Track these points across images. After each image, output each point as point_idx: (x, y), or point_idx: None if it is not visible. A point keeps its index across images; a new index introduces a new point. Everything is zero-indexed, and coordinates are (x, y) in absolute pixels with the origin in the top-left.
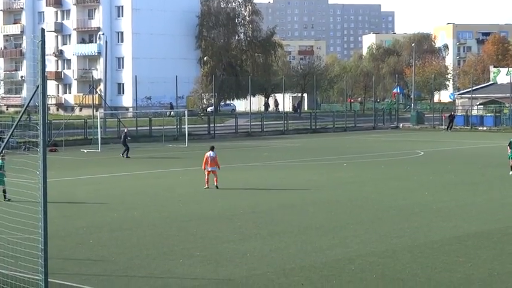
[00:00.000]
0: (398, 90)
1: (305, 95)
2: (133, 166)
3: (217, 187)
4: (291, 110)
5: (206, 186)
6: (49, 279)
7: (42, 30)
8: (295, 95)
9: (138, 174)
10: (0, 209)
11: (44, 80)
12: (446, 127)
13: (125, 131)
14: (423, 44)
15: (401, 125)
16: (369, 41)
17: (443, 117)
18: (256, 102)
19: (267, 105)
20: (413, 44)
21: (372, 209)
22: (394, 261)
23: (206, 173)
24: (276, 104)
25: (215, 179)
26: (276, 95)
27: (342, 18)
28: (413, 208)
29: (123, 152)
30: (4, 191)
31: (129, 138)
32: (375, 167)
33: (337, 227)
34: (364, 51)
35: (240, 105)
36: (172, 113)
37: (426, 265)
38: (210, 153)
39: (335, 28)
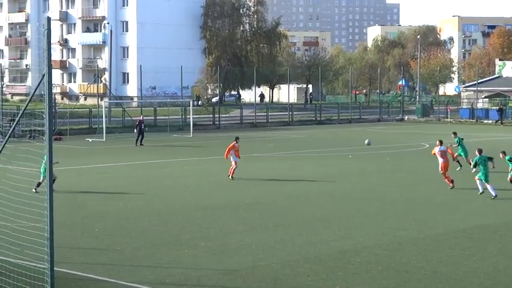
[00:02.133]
0: (404, 83)
1: (310, 86)
2: (139, 156)
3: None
4: (295, 101)
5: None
6: (55, 268)
7: (48, 18)
8: (300, 86)
9: (143, 164)
10: (6, 197)
11: (50, 68)
12: (496, 121)
13: (141, 119)
14: (428, 37)
15: (406, 117)
16: (374, 32)
17: (448, 110)
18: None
19: (262, 96)
20: (418, 37)
21: (377, 201)
22: (399, 254)
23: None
24: (262, 96)
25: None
26: (281, 86)
27: (347, 9)
28: (418, 201)
29: (137, 140)
30: (38, 184)
31: (146, 128)
32: (380, 159)
33: (343, 219)
34: (369, 43)
35: (245, 95)
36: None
37: (431, 258)
38: (234, 143)
39: (340, 19)
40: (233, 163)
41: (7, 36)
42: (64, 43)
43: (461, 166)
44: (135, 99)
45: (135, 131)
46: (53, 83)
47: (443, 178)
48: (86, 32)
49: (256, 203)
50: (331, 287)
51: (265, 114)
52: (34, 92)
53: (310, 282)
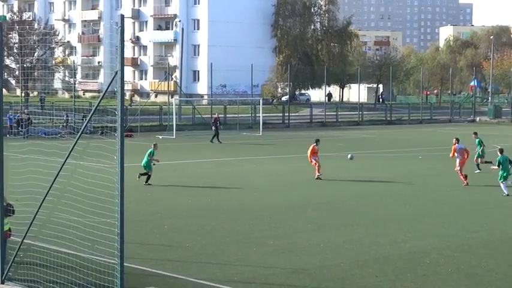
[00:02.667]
0: (476, 84)
1: (380, 86)
2: (208, 153)
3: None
4: (365, 100)
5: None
6: (124, 263)
7: (122, 16)
8: (370, 85)
9: (212, 161)
10: (78, 193)
11: (123, 65)
12: None
13: (216, 116)
14: (502, 37)
15: (478, 118)
16: (446, 32)
17: None
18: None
19: (329, 95)
20: (491, 37)
21: (447, 202)
22: (469, 256)
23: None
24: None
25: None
26: (352, 85)
27: (419, 9)
28: (489, 203)
29: (213, 138)
30: (148, 177)
31: (221, 126)
32: (450, 161)
33: (412, 220)
34: (441, 43)
35: (314, 95)
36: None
37: (502, 261)
38: (315, 145)
39: (412, 19)
40: (314, 162)
41: (80, 34)
42: (136, 41)
43: (480, 169)
44: (205, 97)
45: (213, 128)
46: (124, 80)
47: (459, 175)
48: (158, 29)
49: (325, 203)
50: None
51: (335, 113)
52: (107, 89)
53: (378, 282)
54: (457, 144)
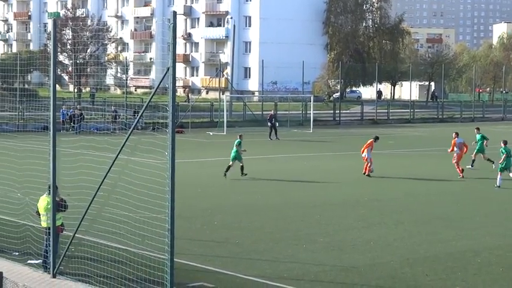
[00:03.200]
0: None
1: (432, 84)
2: (258, 150)
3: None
4: (417, 98)
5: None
6: (174, 259)
7: (174, 13)
8: (422, 83)
9: (262, 158)
10: (129, 188)
11: (175, 62)
12: None
13: (272, 113)
14: None
15: None
16: (499, 30)
17: None
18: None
19: (380, 93)
20: None
21: (500, 201)
22: None
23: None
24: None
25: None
26: (403, 83)
27: (472, 6)
28: None
29: (270, 134)
30: (242, 168)
31: (276, 123)
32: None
33: (464, 219)
34: (495, 40)
35: (365, 92)
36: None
37: None
38: (373, 140)
39: (465, 16)
40: (366, 159)
41: (132, 30)
42: (187, 37)
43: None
44: (256, 93)
45: (269, 124)
46: (176, 76)
47: (456, 167)
48: (209, 26)
49: (375, 200)
50: (450, 287)
51: (386, 111)
52: (158, 85)
53: (429, 281)
54: (456, 138)
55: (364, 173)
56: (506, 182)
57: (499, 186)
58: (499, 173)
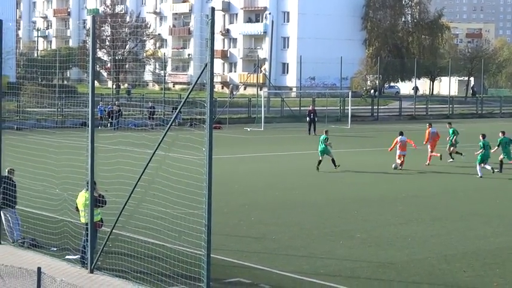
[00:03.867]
0: None
1: (472, 79)
2: (296, 146)
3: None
4: (456, 93)
5: (399, 167)
6: (211, 255)
7: (212, 9)
8: (461, 78)
9: (300, 154)
10: (166, 184)
11: (213, 58)
12: None
13: (310, 108)
14: None
15: None
16: None
17: None
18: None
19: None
20: None
21: None
22: None
23: (397, 156)
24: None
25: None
26: (442, 78)
27: None
28: None
29: (309, 130)
30: (333, 161)
31: (316, 118)
32: None
33: (502, 215)
34: None
35: (404, 88)
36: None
37: None
38: (400, 137)
39: (505, 11)
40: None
41: (171, 26)
42: (226, 33)
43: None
44: (294, 89)
45: (307, 119)
46: (214, 72)
47: (430, 155)
48: (248, 22)
49: (412, 196)
50: (488, 283)
51: (425, 106)
52: (196, 81)
53: (466, 277)
54: (430, 128)
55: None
56: None
57: (481, 176)
58: (478, 164)
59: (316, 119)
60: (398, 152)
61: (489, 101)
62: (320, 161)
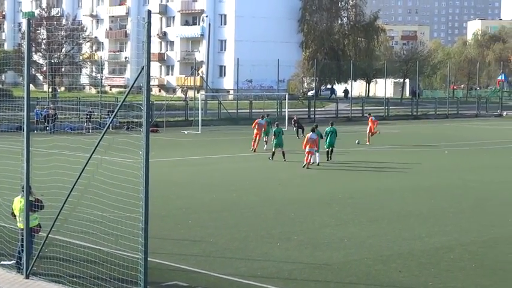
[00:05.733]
0: (503, 78)
1: (407, 80)
2: (233, 148)
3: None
4: (392, 95)
5: (304, 165)
6: (148, 258)
7: (149, 12)
8: (397, 80)
9: (237, 156)
10: (102, 188)
11: (149, 61)
12: None
13: (295, 118)
14: None
15: (505, 113)
16: (474, 27)
17: None
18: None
19: (346, 92)
20: None
21: (473, 197)
22: (494, 252)
23: (306, 153)
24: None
25: (310, 159)
26: (378, 80)
27: (446, 3)
28: None
29: (297, 133)
30: (283, 153)
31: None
32: (476, 155)
33: (437, 215)
34: (469, 37)
35: (341, 90)
36: None
37: None
38: (310, 134)
39: (439, 13)
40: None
41: (107, 29)
42: (163, 36)
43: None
44: (231, 92)
45: (294, 129)
46: (151, 75)
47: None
48: (185, 25)
49: (349, 198)
50: (423, 283)
51: (361, 108)
52: (133, 84)
53: (402, 278)
54: (372, 117)
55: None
56: (476, 180)
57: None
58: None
59: (303, 126)
60: (307, 149)
61: (424, 102)
62: (274, 153)
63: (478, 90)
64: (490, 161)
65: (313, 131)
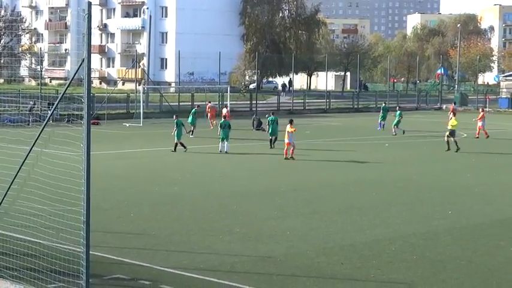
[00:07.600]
0: (442, 71)
1: (348, 74)
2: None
3: (292, 158)
4: (333, 88)
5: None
6: (90, 252)
7: (89, 3)
8: (338, 73)
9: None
10: (42, 181)
11: (90, 53)
12: None
13: (254, 116)
14: (469, 25)
15: (444, 106)
16: (413, 20)
17: (488, 100)
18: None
19: (284, 86)
20: (458, 25)
21: (414, 190)
22: (435, 243)
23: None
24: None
25: (291, 150)
26: (319, 73)
27: None
28: (455, 190)
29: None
30: (275, 139)
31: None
32: (417, 148)
33: (379, 208)
34: (409, 31)
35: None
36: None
37: (467, 248)
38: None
39: (380, 7)
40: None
41: (47, 21)
42: (103, 28)
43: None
44: (173, 84)
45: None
46: (91, 67)
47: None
48: (126, 17)
49: (291, 190)
50: (365, 275)
51: (302, 101)
52: (73, 77)
53: (344, 270)
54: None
55: (286, 158)
56: (416, 172)
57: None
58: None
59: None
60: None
61: (365, 95)
62: (271, 140)
63: (418, 83)
64: (430, 153)
65: (290, 123)
